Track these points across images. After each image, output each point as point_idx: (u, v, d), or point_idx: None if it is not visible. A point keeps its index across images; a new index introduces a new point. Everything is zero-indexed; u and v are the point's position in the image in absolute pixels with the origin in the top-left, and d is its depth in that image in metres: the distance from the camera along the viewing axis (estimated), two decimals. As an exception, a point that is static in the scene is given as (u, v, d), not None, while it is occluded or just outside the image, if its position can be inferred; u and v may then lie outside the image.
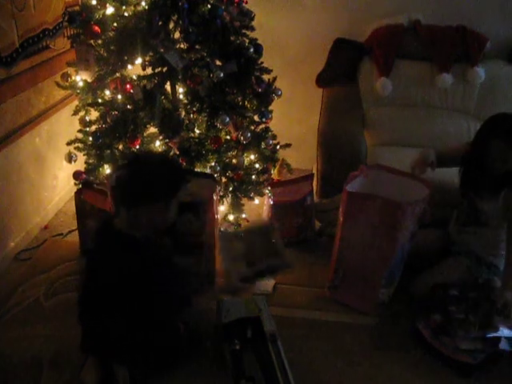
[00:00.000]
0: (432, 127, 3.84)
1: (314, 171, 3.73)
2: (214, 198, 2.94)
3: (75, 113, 3.38)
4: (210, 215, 2.91)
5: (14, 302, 2.94)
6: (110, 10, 3.09)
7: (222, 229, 3.25)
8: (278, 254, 2.60)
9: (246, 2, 3.34)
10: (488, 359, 2.60)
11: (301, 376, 2.41)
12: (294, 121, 4.33)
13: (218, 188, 3.08)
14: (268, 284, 3.10)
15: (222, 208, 3.39)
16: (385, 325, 2.88)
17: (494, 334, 2.65)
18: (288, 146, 3.65)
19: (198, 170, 3.15)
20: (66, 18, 3.10)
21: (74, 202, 3.39)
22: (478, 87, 3.82)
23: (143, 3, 3.04)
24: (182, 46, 3.16)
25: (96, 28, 3.05)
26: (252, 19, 3.34)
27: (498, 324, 2.70)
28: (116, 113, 3.19)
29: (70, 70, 3.40)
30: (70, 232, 3.59)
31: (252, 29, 3.33)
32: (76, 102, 3.42)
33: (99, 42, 3.17)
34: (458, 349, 2.62)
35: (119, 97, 3.19)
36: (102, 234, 2.43)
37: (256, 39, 3.34)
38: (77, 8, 3.23)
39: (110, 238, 2.38)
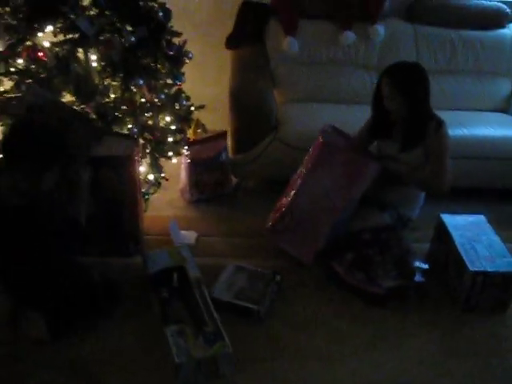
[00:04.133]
0: (338, 82, 4.07)
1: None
2: (134, 156, 3.03)
3: (-11, 83, 3.38)
4: (130, 173, 3.00)
5: None
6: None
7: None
8: None
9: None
10: (396, 289, 2.86)
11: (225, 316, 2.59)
12: (208, 83, 4.42)
13: (138, 148, 3.17)
14: (191, 236, 3.26)
15: (142, 169, 3.50)
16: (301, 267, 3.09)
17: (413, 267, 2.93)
18: (202, 107, 3.77)
19: (118, 131, 3.24)
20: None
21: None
22: (379, 44, 4.06)
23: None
24: (91, 12, 3.22)
25: (4, -5, 3.07)
26: (159, -16, 3.42)
27: (411, 260, 2.98)
28: (30, 81, 3.22)
29: (-20, 40, 3.38)
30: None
31: (159, -6, 3.41)
32: (-13, 73, 3.42)
33: (7, 9, 3.18)
34: (368, 281, 2.86)
35: (32, 66, 3.23)
36: None
37: (164, 3, 3.41)
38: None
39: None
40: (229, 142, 3.83)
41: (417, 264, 2.97)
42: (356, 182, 2.95)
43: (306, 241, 3.07)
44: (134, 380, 2.35)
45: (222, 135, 3.75)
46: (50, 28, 3.13)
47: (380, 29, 4.00)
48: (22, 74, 3.23)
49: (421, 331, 2.70)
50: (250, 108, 3.67)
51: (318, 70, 4.08)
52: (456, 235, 3.00)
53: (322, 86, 4.06)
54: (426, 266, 2.97)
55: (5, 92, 3.32)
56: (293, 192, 3.09)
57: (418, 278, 2.91)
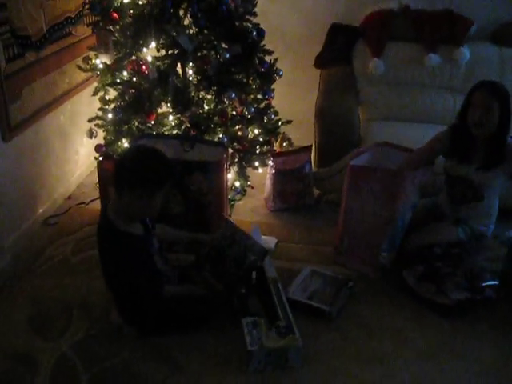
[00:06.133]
0: (422, 103, 4.17)
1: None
2: (223, 162, 3.27)
3: (95, 93, 3.71)
4: (219, 177, 3.26)
5: (45, 258, 3.32)
6: (126, -2, 3.45)
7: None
8: None
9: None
10: (465, 302, 2.94)
11: (298, 315, 2.77)
12: (296, 100, 4.62)
13: (227, 156, 3.41)
14: (271, 241, 3.45)
15: (230, 176, 3.74)
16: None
17: (483, 284, 3.01)
18: (289, 122, 3.99)
19: (210, 139, 3.51)
20: (88, 6, 3.45)
21: (93, 176, 3.79)
22: (464, 66, 4.13)
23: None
24: (191, 30, 3.50)
25: (115, 15, 3.41)
26: (255, 6, 3.67)
27: (483, 274, 3.06)
28: (133, 91, 3.54)
29: (91, 54, 3.75)
30: (91, 201, 3.96)
31: (255, 15, 3.66)
32: (95, 84, 3.76)
33: (117, 27, 3.52)
34: (438, 293, 2.96)
35: (135, 78, 3.53)
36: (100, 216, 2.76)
37: (258, 24, 3.67)
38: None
39: (101, 223, 2.70)
40: (313, 155, 4.02)
41: (487, 279, 3.05)
42: (397, 194, 3.08)
43: (366, 257, 3.24)
44: (210, 363, 2.56)
45: (307, 149, 3.95)
46: (153, 44, 3.45)
47: (465, 51, 4.08)
48: (126, 84, 3.57)
49: (486, 344, 2.77)
50: (335, 124, 3.87)
51: (402, 91, 4.21)
52: (527, 253, 3.05)
53: (405, 107, 4.18)
54: (496, 282, 3.04)
55: (110, 100, 3.68)
56: (341, 217, 3.32)
57: (487, 293, 2.99)
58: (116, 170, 2.58)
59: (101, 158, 3.62)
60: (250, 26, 3.65)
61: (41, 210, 3.73)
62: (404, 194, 3.11)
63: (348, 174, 3.25)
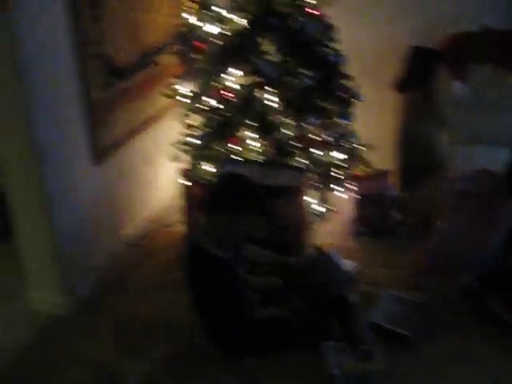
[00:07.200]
0: (506, 125, 4.09)
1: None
2: (304, 186, 3.34)
3: (180, 119, 3.85)
4: (299, 201, 3.32)
5: (130, 279, 3.46)
6: (212, 29, 3.57)
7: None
8: None
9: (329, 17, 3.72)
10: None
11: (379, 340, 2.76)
12: (371, 122, 4.54)
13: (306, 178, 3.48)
14: (350, 265, 3.40)
15: (310, 200, 3.77)
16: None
17: None
18: (369, 146, 3.99)
19: (291, 164, 3.57)
20: (177, 37, 3.60)
21: (176, 199, 3.89)
22: (548, 88, 4.06)
23: (243, 22, 3.49)
24: (274, 57, 3.57)
25: (200, 45, 3.54)
26: (334, 32, 3.71)
27: None
28: (217, 117, 3.64)
29: (176, 82, 3.88)
30: (174, 224, 4.06)
31: (334, 41, 3.70)
32: (179, 110, 3.89)
33: (201, 55, 3.64)
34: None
35: (219, 104, 3.64)
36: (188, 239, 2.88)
37: (338, 50, 3.71)
38: (181, 28, 3.72)
39: (189, 245, 2.78)
40: (395, 179, 4.04)
41: None
42: (496, 220, 3.12)
43: (454, 280, 3.22)
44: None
45: (386, 173, 3.98)
46: (237, 71, 3.54)
47: (550, 73, 3.99)
48: (210, 110, 3.67)
49: None
50: (417, 148, 3.86)
51: (486, 114, 4.13)
52: None
53: (490, 129, 4.10)
54: None
55: (194, 126, 3.79)
56: (437, 236, 3.35)
57: None
58: (206, 195, 2.71)
59: (185, 182, 3.73)
60: (330, 51, 3.69)
61: (126, 232, 3.88)
62: (501, 220, 3.12)
63: (455, 196, 3.32)
